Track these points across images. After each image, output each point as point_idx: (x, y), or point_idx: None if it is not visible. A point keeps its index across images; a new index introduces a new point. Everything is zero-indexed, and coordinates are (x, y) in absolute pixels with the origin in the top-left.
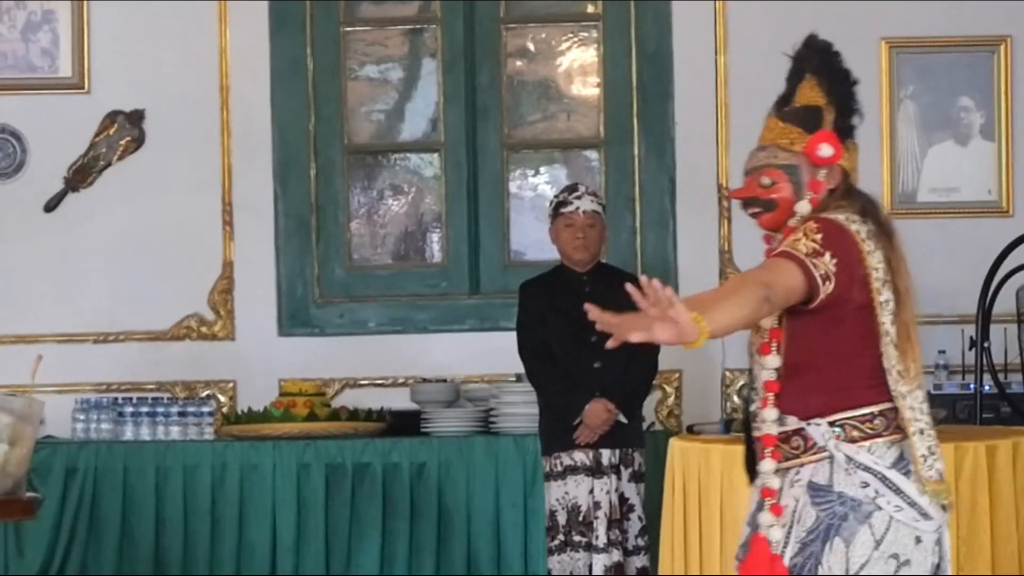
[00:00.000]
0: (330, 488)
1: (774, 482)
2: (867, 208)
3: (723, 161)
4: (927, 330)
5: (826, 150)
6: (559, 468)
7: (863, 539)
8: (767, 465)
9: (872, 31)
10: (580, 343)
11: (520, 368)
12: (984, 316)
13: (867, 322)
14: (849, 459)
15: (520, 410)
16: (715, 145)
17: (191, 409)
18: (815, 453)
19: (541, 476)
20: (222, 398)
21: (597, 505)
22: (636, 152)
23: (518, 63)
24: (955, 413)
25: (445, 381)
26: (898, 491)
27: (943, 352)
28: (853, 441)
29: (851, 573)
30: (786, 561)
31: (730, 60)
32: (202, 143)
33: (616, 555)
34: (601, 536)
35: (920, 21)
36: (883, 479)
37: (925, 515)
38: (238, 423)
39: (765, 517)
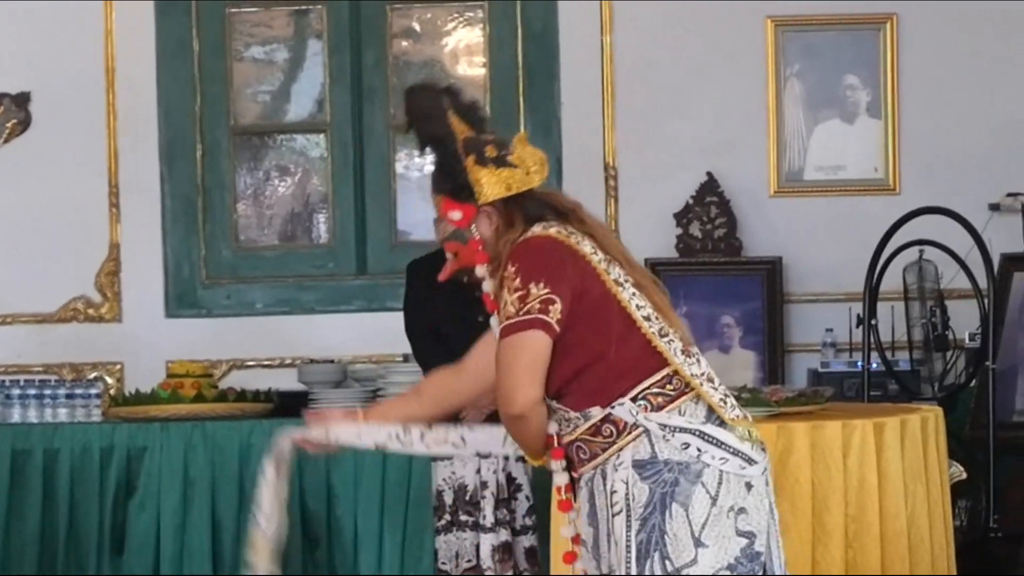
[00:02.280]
0: (216, 469)
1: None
2: (544, 212)
3: (609, 140)
4: (815, 308)
5: (454, 215)
6: None
7: (699, 498)
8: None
9: (757, 9)
10: (467, 323)
11: (407, 348)
12: (871, 294)
13: (617, 303)
14: (663, 426)
15: (407, 390)
16: (601, 125)
17: (79, 391)
18: (629, 432)
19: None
20: (109, 380)
21: (484, 484)
22: (522, 132)
23: (404, 43)
24: (843, 391)
25: (332, 362)
26: (719, 443)
27: (830, 330)
28: (660, 408)
29: (696, 535)
30: (631, 541)
31: (616, 40)
32: (88, 125)
33: (504, 535)
34: (488, 516)
35: None
36: (701, 435)
37: (750, 460)
38: (126, 405)
39: None
